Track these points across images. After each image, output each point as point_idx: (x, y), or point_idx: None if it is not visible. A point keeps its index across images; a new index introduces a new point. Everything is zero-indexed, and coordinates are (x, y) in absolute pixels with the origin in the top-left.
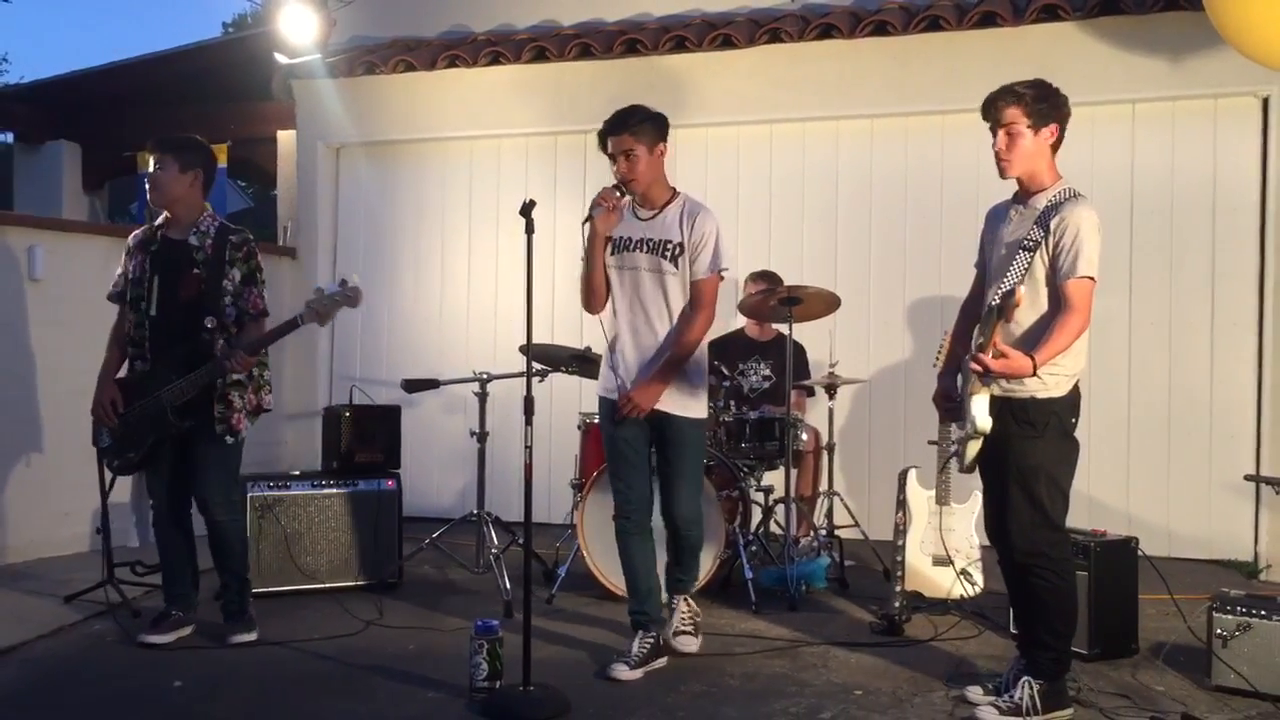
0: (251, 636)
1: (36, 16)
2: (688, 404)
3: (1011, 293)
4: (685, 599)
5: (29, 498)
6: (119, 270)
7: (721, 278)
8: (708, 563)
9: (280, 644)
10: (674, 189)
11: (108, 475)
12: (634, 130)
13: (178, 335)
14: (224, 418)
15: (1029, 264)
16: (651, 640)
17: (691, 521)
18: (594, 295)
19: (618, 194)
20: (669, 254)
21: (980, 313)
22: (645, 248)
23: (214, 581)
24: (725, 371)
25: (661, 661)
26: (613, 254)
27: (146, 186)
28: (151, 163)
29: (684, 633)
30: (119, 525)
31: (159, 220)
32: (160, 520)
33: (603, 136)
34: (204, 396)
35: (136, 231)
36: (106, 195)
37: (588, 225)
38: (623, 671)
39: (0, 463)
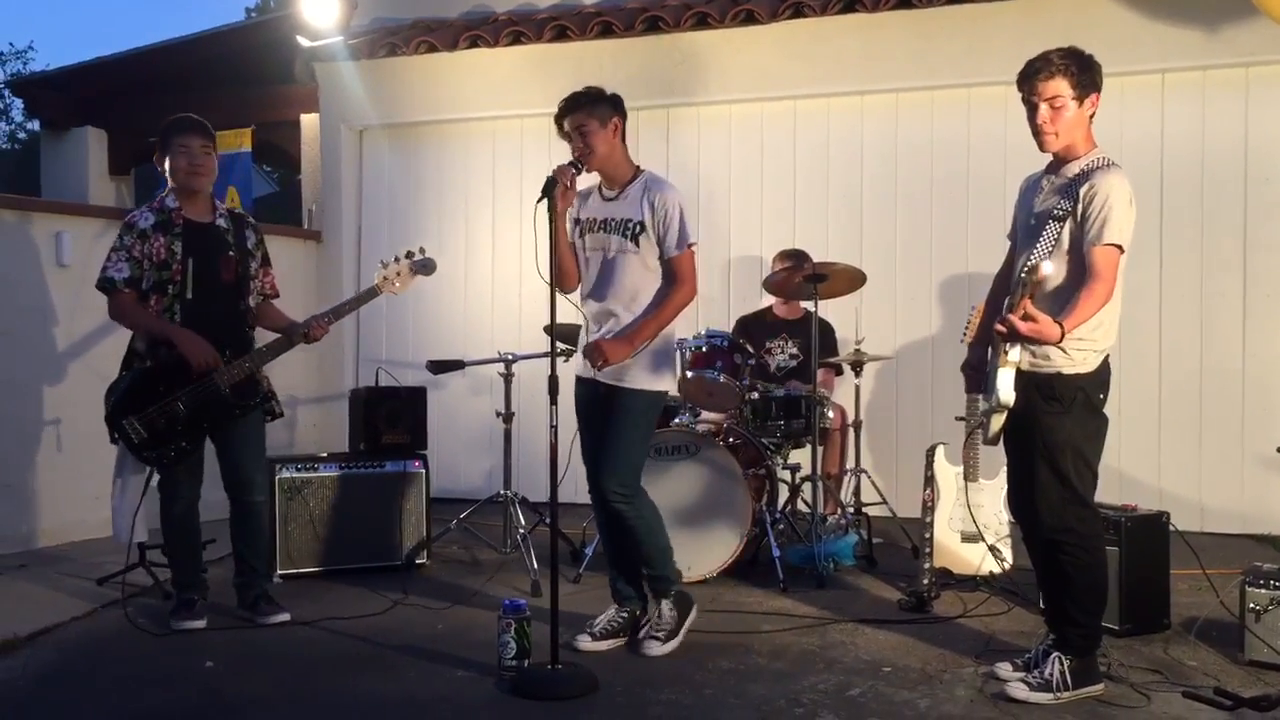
0: (287, 616)
1: (61, 4)
2: (639, 377)
3: (1035, 268)
4: (663, 601)
5: (60, 482)
6: (122, 256)
7: (692, 250)
8: (734, 542)
9: (309, 624)
10: (637, 167)
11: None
12: (587, 108)
13: (215, 319)
14: (274, 395)
15: (1058, 234)
16: (625, 616)
17: (618, 496)
18: (563, 275)
19: (573, 170)
20: (629, 233)
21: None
22: (609, 228)
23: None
24: (750, 349)
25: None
26: (580, 235)
27: (200, 171)
28: (202, 146)
29: (652, 637)
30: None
31: (174, 202)
32: (190, 509)
33: (558, 118)
34: (249, 377)
35: (141, 213)
36: (132, 181)
37: (541, 204)
38: (584, 642)
39: (31, 448)
